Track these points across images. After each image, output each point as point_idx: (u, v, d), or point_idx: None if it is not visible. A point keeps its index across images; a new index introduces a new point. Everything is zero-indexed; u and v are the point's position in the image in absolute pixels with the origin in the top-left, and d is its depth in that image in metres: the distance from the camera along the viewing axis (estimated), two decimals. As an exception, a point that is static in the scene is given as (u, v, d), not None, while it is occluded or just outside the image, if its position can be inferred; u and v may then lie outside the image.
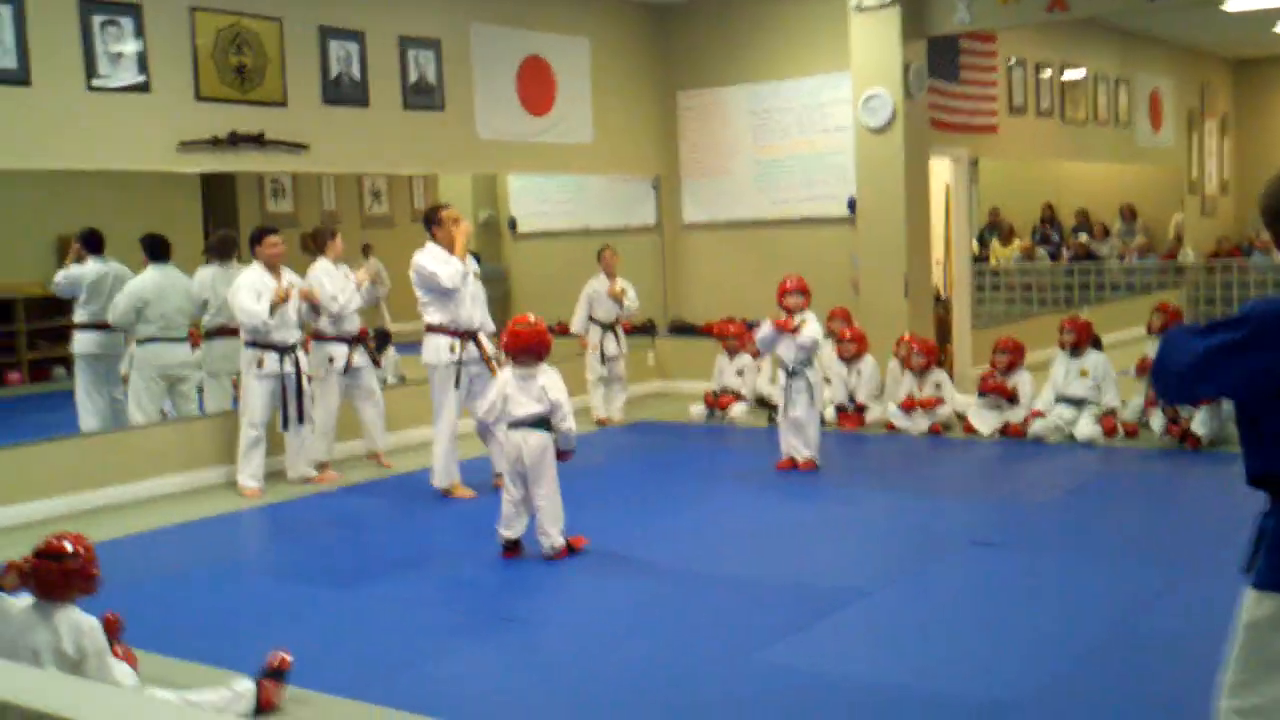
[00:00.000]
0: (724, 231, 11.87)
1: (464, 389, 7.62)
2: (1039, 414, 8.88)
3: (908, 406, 9.35)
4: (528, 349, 6.20)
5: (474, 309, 7.66)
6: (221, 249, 8.90)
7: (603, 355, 10.28)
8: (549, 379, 6.20)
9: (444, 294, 7.49)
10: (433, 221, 7.67)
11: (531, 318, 6.38)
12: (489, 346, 7.68)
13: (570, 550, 6.22)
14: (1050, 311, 14.02)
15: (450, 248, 7.55)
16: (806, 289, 8.14)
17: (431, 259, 7.52)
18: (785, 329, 8.02)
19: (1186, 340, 2.76)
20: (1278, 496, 2.75)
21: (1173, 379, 2.81)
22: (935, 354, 9.78)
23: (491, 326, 7.87)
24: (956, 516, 7.00)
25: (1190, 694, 4.21)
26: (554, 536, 6.19)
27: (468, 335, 7.59)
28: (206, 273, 8.83)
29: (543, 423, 6.19)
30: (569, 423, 6.22)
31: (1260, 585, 2.73)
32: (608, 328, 10.29)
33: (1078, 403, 8.87)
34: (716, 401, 10.38)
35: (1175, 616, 5.10)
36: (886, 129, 10.27)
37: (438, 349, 7.59)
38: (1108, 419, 8.71)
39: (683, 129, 12.04)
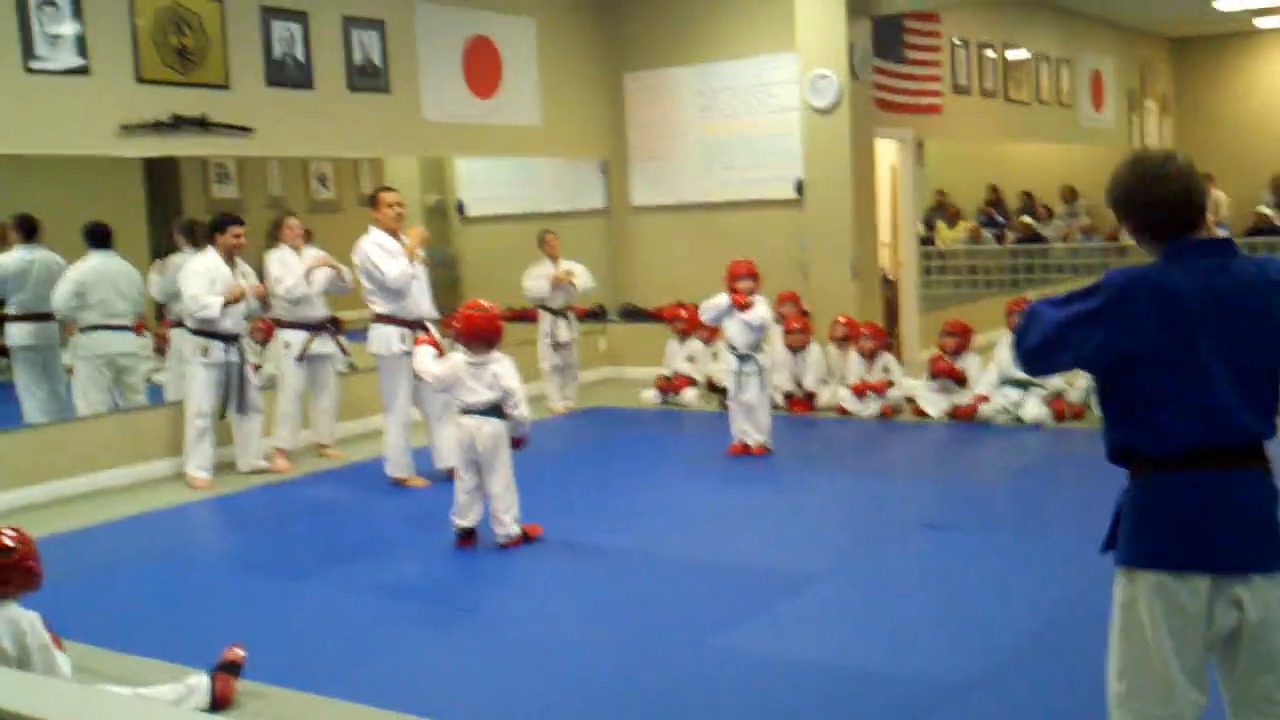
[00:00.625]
0: (672, 214, 11.85)
1: (414, 378, 7.51)
2: (983, 398, 8.94)
3: (859, 390, 9.39)
4: (480, 335, 6.14)
5: (421, 298, 7.58)
6: (194, 235, 8.74)
7: (554, 342, 10.19)
8: (501, 366, 6.16)
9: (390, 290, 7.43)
10: (373, 205, 7.61)
11: (485, 303, 6.33)
12: (436, 335, 7.60)
13: (525, 539, 6.19)
14: (996, 293, 14.13)
15: (392, 232, 7.47)
16: (756, 273, 8.14)
17: (379, 252, 7.40)
18: (739, 304, 8.01)
19: (1045, 311, 2.79)
20: (1135, 472, 2.78)
21: (1031, 351, 2.83)
22: (884, 338, 9.83)
23: (435, 314, 7.78)
24: (908, 499, 7.06)
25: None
26: (508, 525, 6.16)
27: (416, 325, 7.50)
28: (180, 260, 8.63)
29: (495, 410, 6.15)
30: (522, 410, 6.18)
31: (1127, 563, 2.77)
32: (559, 313, 10.21)
33: (1024, 385, 8.94)
34: (669, 386, 10.38)
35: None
36: (833, 109, 10.30)
37: (386, 339, 7.50)
38: (1057, 401, 8.79)
39: (630, 111, 12.00)
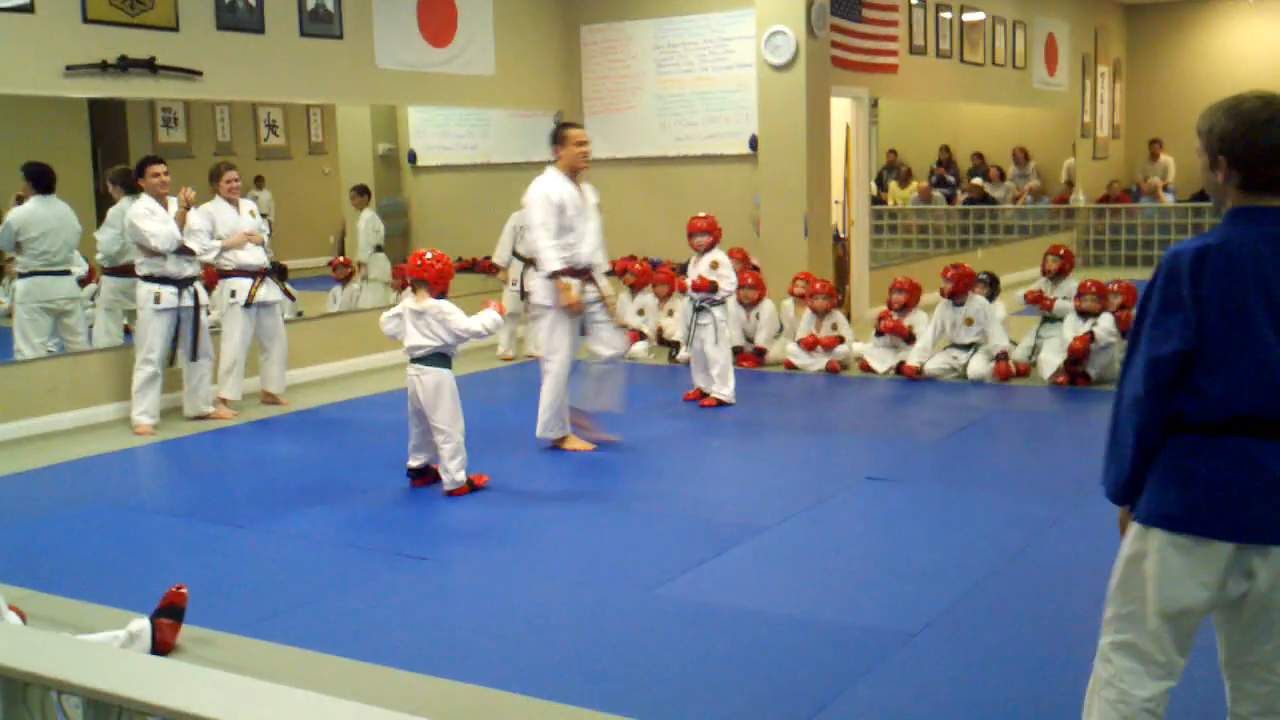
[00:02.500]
0: (627, 168, 11.82)
1: (576, 329, 7.03)
2: (916, 369, 8.96)
3: (808, 345, 9.45)
4: (423, 282, 6.15)
5: (590, 245, 6.97)
6: (128, 182, 8.58)
7: (523, 291, 10.13)
8: (442, 313, 6.12)
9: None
10: (556, 141, 7.00)
11: (431, 252, 6.32)
12: (605, 285, 7.13)
13: (472, 487, 6.21)
14: (946, 253, 14.25)
15: (573, 174, 6.94)
16: (714, 228, 8.21)
17: (546, 208, 6.77)
18: (703, 289, 8.12)
19: (1134, 355, 2.73)
20: (1174, 431, 2.74)
21: (1146, 392, 2.69)
22: (836, 296, 9.89)
23: (606, 265, 7.23)
24: (853, 452, 7.14)
25: (1078, 617, 4.36)
26: (454, 472, 6.17)
27: (584, 274, 6.96)
28: (119, 209, 8.46)
29: (436, 359, 6.15)
30: (477, 325, 6.14)
31: (1146, 521, 2.74)
32: (529, 263, 10.15)
33: (967, 346, 9.02)
34: None
35: (1063, 545, 5.27)
36: (789, 66, 10.30)
37: (551, 289, 6.91)
38: (1002, 364, 8.84)
39: (586, 63, 11.93)
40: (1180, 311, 2.64)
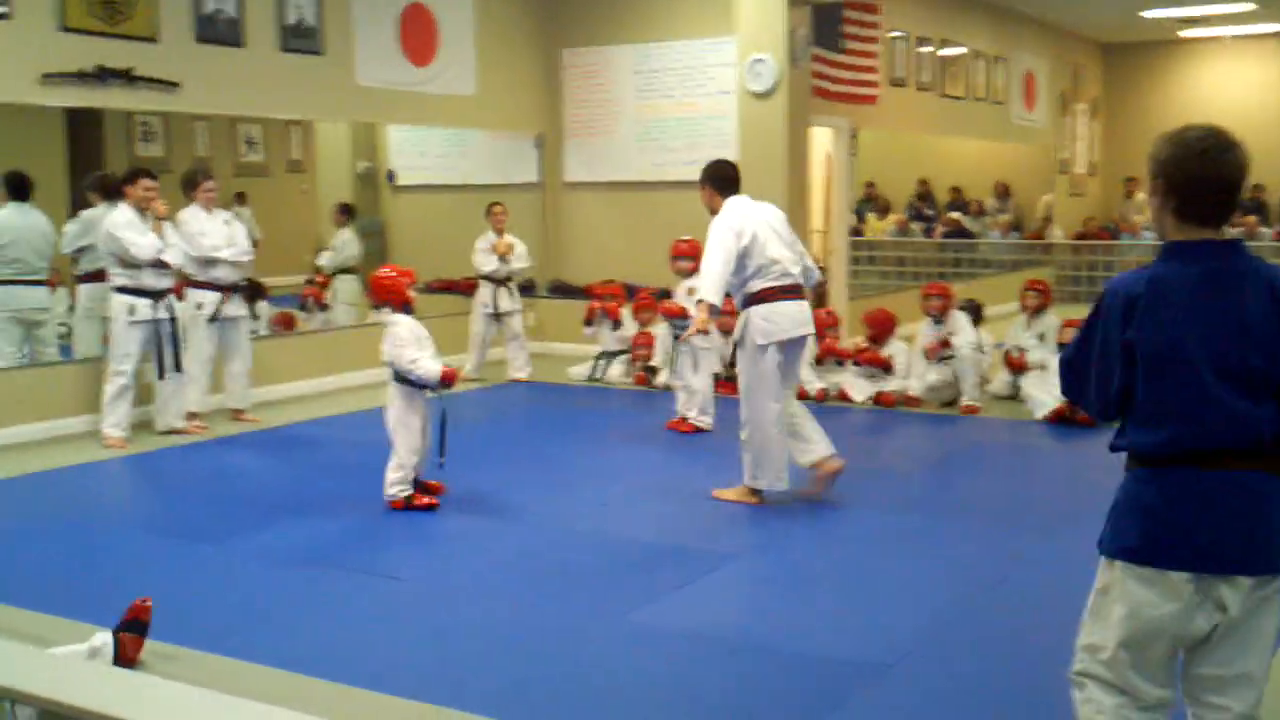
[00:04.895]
0: (606, 192, 11.80)
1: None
2: (915, 400, 9.00)
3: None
4: (376, 293, 6.34)
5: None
6: (107, 189, 8.46)
7: (495, 312, 10.09)
8: (393, 334, 6.13)
9: None
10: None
11: (389, 269, 6.40)
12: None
13: (407, 505, 6.14)
14: (923, 285, 14.24)
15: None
16: (697, 252, 8.16)
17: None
18: (677, 315, 8.12)
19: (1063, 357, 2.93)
20: (1128, 465, 2.79)
21: (1072, 391, 2.94)
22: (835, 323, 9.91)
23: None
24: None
25: (1057, 648, 4.31)
26: (387, 486, 6.17)
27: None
28: (96, 214, 8.37)
29: (393, 371, 6.16)
30: (416, 369, 6.04)
31: (1105, 553, 2.79)
32: (500, 283, 10.10)
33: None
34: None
35: (1043, 577, 5.22)
36: (770, 95, 10.28)
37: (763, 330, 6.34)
38: (968, 405, 8.83)
39: (567, 87, 11.92)
40: (1113, 351, 2.73)
